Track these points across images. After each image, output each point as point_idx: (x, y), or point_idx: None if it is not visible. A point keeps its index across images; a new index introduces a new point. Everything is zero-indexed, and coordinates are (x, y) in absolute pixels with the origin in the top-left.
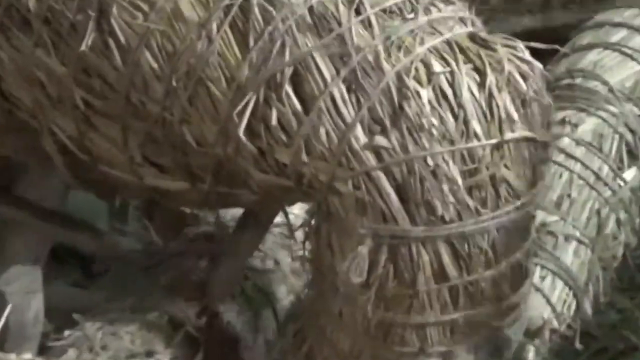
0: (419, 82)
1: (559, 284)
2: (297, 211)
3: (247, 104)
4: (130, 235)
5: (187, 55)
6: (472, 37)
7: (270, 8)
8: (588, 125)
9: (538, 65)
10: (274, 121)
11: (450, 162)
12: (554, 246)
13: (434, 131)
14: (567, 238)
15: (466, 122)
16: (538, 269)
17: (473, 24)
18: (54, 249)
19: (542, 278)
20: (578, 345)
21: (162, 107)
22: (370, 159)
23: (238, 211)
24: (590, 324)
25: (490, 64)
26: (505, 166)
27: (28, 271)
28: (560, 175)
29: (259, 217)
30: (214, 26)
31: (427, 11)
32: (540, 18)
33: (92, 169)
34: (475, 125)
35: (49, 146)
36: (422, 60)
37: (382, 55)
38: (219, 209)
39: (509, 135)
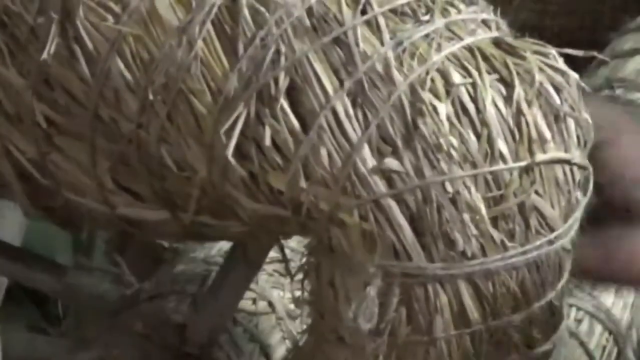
0: (436, 96)
1: (598, 328)
2: (294, 245)
3: (236, 120)
4: (98, 273)
5: (165, 64)
6: (497, 42)
7: (263, 9)
8: None
9: (574, 75)
10: (267, 141)
11: (473, 189)
12: (592, 285)
13: (454, 152)
14: None
15: (491, 142)
16: (574, 310)
17: (498, 28)
18: (8, 287)
19: (579, 321)
20: None
21: (136, 124)
22: (379, 184)
23: (225, 244)
24: None
25: (518, 74)
26: (537, 193)
27: None
28: None
29: (249, 253)
30: (197, 30)
31: (444, 12)
32: (573, 19)
33: (55, 196)
34: (501, 146)
35: (5, 170)
36: (439, 70)
37: (393, 64)
38: (203, 243)
39: (540, 156)
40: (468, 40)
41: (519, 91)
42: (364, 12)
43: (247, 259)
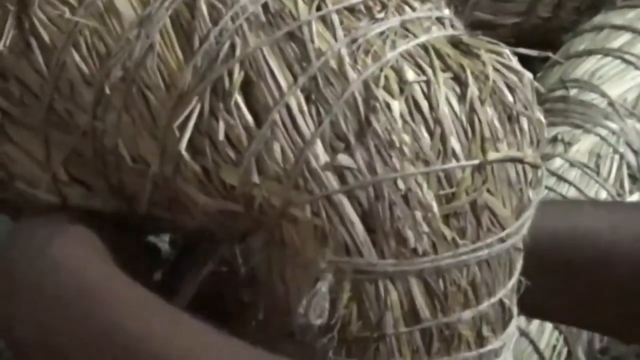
0: (390, 93)
1: (548, 327)
2: None
3: (189, 115)
4: None
5: (122, 58)
6: (452, 41)
7: (219, 5)
8: (584, 144)
9: (528, 74)
10: (221, 136)
11: (425, 186)
12: None
13: (406, 150)
14: None
15: (443, 140)
16: None
17: (452, 26)
18: None
19: (529, 321)
20: None
21: (91, 116)
22: (331, 181)
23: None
24: None
25: (472, 72)
26: (488, 191)
27: None
28: None
29: (199, 250)
30: (154, 25)
31: (399, 10)
32: (528, 20)
33: (8, 187)
34: (454, 144)
35: None
36: (393, 68)
37: (347, 60)
38: (157, 235)
39: (492, 155)
40: (422, 38)
41: (472, 89)
42: (319, 9)
43: (197, 257)
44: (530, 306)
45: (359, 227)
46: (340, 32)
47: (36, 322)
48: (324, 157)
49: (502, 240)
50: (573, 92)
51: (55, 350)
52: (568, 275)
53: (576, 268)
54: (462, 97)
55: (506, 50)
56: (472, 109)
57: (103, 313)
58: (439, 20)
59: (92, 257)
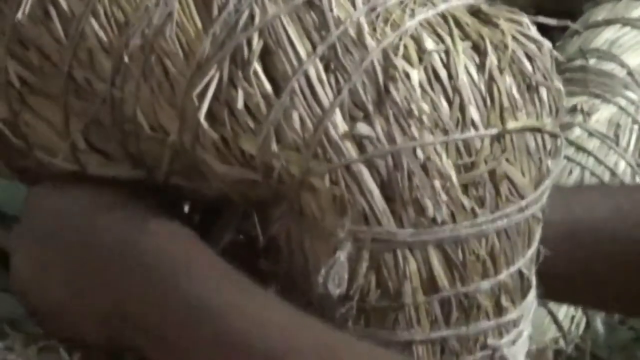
0: (409, 62)
1: None
2: None
3: (208, 83)
4: None
5: (141, 26)
6: (471, 10)
7: None
8: (603, 114)
9: (547, 44)
10: (239, 104)
11: (444, 155)
12: None
13: (425, 119)
14: None
15: (462, 109)
16: None
17: None
18: None
19: None
20: None
21: (110, 84)
22: (350, 150)
23: None
24: (600, 345)
25: (491, 41)
26: (507, 160)
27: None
28: (571, 172)
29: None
30: None
31: None
32: None
33: (28, 155)
34: (473, 113)
35: None
36: (412, 36)
37: (366, 29)
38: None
39: (511, 124)
40: (442, 7)
41: (491, 59)
42: None
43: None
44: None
45: (377, 196)
46: (359, 1)
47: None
48: (342, 126)
49: (521, 209)
50: (592, 61)
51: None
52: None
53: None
54: (481, 67)
55: (525, 19)
56: (491, 78)
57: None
58: None
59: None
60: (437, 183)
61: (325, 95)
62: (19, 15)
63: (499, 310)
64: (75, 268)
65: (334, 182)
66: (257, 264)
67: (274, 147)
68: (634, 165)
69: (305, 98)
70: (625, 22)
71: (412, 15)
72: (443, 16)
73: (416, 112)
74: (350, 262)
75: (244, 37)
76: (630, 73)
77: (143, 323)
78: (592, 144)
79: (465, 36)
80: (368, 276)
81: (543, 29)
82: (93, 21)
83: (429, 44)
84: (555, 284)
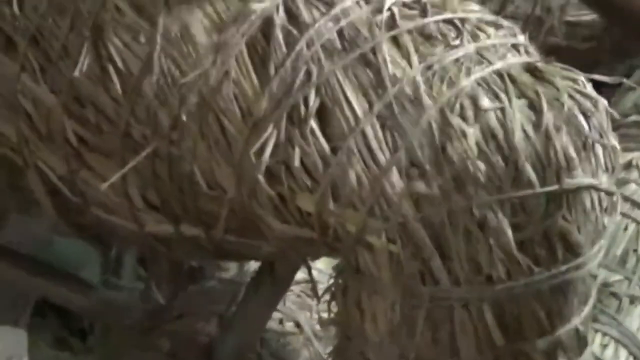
0: (465, 120)
1: (623, 353)
2: (322, 266)
3: (266, 141)
4: (126, 291)
5: (198, 84)
6: (527, 67)
7: (295, 31)
8: None
9: (602, 101)
10: (296, 162)
11: (499, 213)
12: (617, 310)
13: (481, 177)
14: (633, 300)
15: (518, 167)
16: (599, 336)
17: (527, 52)
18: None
19: (604, 347)
20: None
21: (168, 142)
22: (407, 208)
23: (254, 265)
24: None
25: (547, 99)
26: (563, 218)
27: (9, 333)
28: (626, 228)
29: (277, 273)
30: (230, 51)
31: (474, 37)
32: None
33: (85, 212)
34: (529, 171)
35: (36, 186)
36: (468, 94)
37: (423, 87)
38: (231, 262)
39: (567, 182)
40: (498, 65)
41: (547, 117)
42: (394, 36)
43: (275, 279)
44: None
45: (434, 254)
46: (415, 59)
47: None
48: (399, 185)
49: (577, 267)
50: None
51: None
52: None
53: None
54: (537, 125)
55: (581, 77)
56: (547, 137)
57: None
58: (514, 47)
59: None
60: (493, 241)
61: (382, 153)
62: (76, 72)
63: None
64: None
65: (391, 240)
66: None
67: (331, 205)
68: None
69: (362, 156)
70: None
71: (469, 73)
72: (499, 74)
73: (472, 171)
74: (406, 320)
75: (300, 95)
76: None
77: None
78: None
79: (521, 94)
80: (424, 333)
81: (598, 83)
82: (150, 78)
83: (485, 102)
84: None
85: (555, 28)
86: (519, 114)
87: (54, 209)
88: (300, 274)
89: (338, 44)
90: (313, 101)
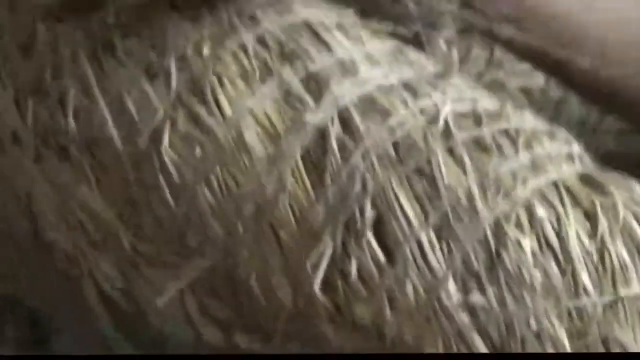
0: (520, 230)
1: None
2: None
3: (322, 253)
4: None
5: (254, 195)
6: (582, 177)
7: (350, 142)
8: None
9: None
10: (354, 273)
11: (556, 322)
12: None
13: (538, 286)
14: None
15: (575, 276)
16: None
17: (582, 161)
18: None
19: None
20: None
21: (223, 252)
22: (463, 318)
23: None
24: None
25: (602, 209)
26: (620, 326)
27: None
28: None
29: None
30: (286, 162)
31: (529, 146)
32: None
33: (141, 322)
34: (586, 280)
35: (90, 295)
36: (524, 205)
37: (478, 197)
38: None
39: (624, 291)
40: (553, 175)
41: (603, 226)
42: (449, 147)
43: None
44: None
45: None
46: (470, 169)
47: None
48: (456, 295)
49: None
50: None
51: None
52: None
53: None
54: (593, 233)
55: (637, 186)
56: (603, 245)
57: None
58: (569, 156)
59: None
60: (551, 350)
61: (438, 263)
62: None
63: None
64: None
65: (448, 350)
66: None
67: (388, 314)
68: None
69: (417, 265)
70: None
71: (524, 183)
72: (554, 184)
73: (529, 280)
74: None
75: (357, 206)
76: None
77: None
78: None
79: (577, 203)
80: None
81: None
82: (206, 189)
83: (541, 212)
84: None
85: (609, 136)
86: (574, 223)
87: (109, 320)
88: None
89: (393, 155)
90: (369, 212)
